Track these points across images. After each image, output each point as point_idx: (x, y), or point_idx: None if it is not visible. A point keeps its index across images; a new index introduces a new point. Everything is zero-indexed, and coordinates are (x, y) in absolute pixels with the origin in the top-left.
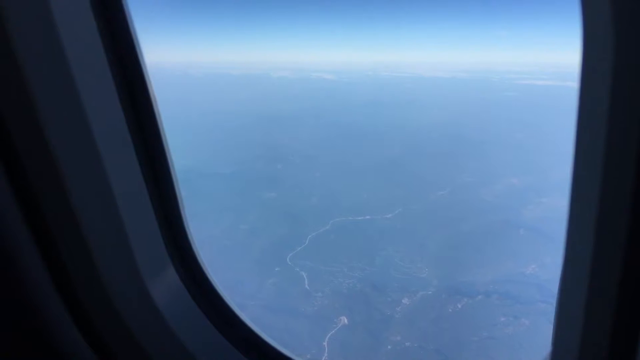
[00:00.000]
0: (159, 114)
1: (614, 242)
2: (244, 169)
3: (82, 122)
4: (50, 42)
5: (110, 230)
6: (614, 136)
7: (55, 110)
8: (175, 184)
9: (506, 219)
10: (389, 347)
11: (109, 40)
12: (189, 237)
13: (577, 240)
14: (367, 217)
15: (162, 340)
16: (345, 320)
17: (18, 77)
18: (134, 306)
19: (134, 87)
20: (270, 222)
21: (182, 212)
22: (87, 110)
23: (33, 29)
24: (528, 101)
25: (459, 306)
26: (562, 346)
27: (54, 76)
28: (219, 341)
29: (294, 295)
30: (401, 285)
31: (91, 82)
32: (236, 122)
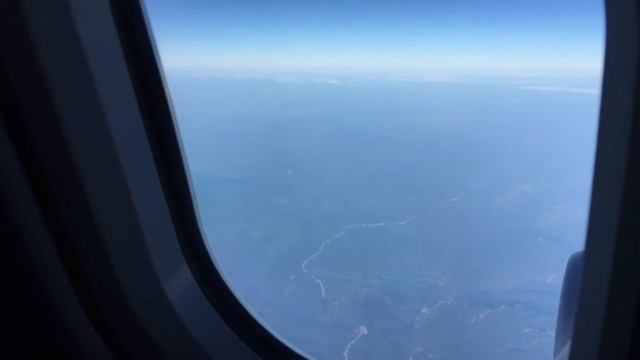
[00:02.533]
0: (174, 113)
1: (637, 244)
2: (253, 174)
3: (99, 119)
4: (69, 42)
5: (126, 228)
6: (637, 141)
7: (73, 108)
8: (189, 182)
9: (522, 227)
10: (411, 358)
11: (127, 39)
12: (203, 236)
13: (598, 242)
14: (381, 224)
15: (176, 338)
16: (365, 330)
17: (38, 75)
18: (148, 303)
19: (149, 84)
20: (283, 228)
21: (195, 211)
22: (105, 109)
23: (53, 29)
24: (535, 107)
25: (482, 317)
26: (581, 348)
27: (72, 76)
28: (233, 339)
29: (311, 304)
30: (420, 295)
31: (108, 79)
32: (243, 126)
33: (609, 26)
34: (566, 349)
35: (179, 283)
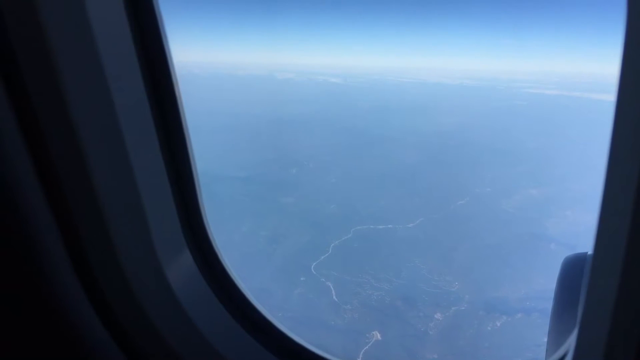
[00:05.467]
0: (180, 98)
1: None
2: (258, 172)
3: (105, 101)
4: (83, 38)
5: (130, 210)
6: None
7: (79, 90)
8: (193, 168)
9: (531, 232)
10: None
11: (139, 36)
12: (205, 221)
13: (608, 238)
14: (389, 225)
15: (175, 322)
16: (378, 335)
17: (51, 72)
18: (148, 285)
19: (155, 65)
20: (290, 228)
21: (198, 196)
22: (112, 91)
23: (68, 28)
24: (538, 110)
25: (498, 324)
26: (586, 345)
27: (85, 72)
28: (231, 325)
29: (322, 307)
30: (432, 300)
31: (116, 61)
32: (245, 123)
33: (630, 23)
34: (561, 350)
35: (180, 267)
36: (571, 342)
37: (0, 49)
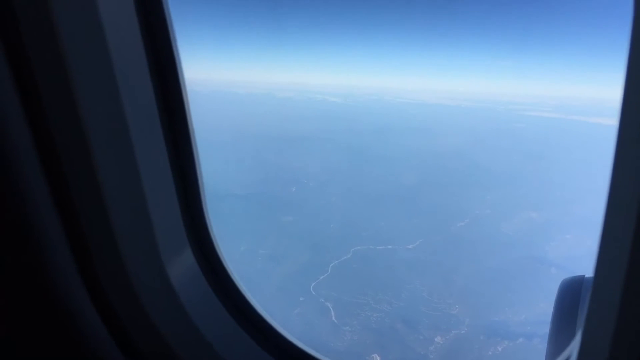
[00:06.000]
0: (187, 97)
1: None
2: (258, 190)
3: (114, 101)
4: (94, 37)
5: (134, 206)
6: None
7: (88, 85)
8: (198, 168)
9: (532, 255)
10: None
11: (149, 37)
12: (208, 222)
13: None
14: (389, 246)
15: (175, 320)
16: (379, 359)
17: (62, 70)
18: (150, 283)
19: (164, 68)
20: (289, 247)
21: (202, 197)
22: (120, 90)
23: (80, 27)
24: (537, 133)
25: (499, 349)
26: (590, 348)
27: (95, 71)
28: (231, 326)
29: (321, 329)
30: (432, 322)
31: (127, 69)
32: (246, 141)
33: (635, 33)
34: None
35: (182, 266)
36: None
37: (13, 47)
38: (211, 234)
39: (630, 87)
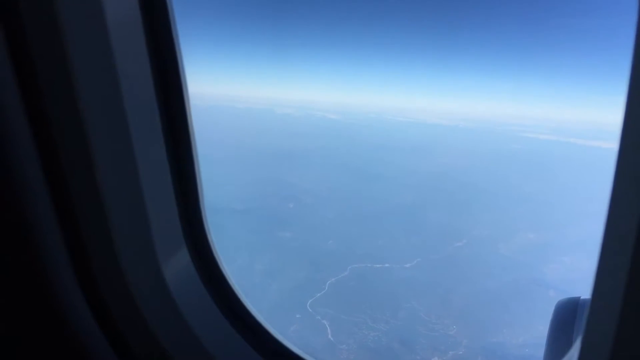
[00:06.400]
0: (187, 96)
1: None
2: (255, 206)
3: (115, 99)
4: (97, 35)
5: (131, 204)
6: None
7: (87, 77)
8: (196, 169)
9: (530, 277)
10: None
11: (152, 36)
12: (205, 223)
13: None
14: (386, 265)
15: (170, 321)
16: None
17: (64, 70)
18: (145, 282)
19: (166, 68)
20: (286, 264)
21: (200, 198)
22: (121, 88)
23: (83, 25)
24: (534, 155)
25: None
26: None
27: (97, 68)
28: (225, 327)
29: (318, 347)
30: (429, 343)
31: (129, 67)
32: (244, 156)
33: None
34: None
35: (178, 266)
36: None
37: (17, 45)
38: (208, 236)
39: (634, 93)
